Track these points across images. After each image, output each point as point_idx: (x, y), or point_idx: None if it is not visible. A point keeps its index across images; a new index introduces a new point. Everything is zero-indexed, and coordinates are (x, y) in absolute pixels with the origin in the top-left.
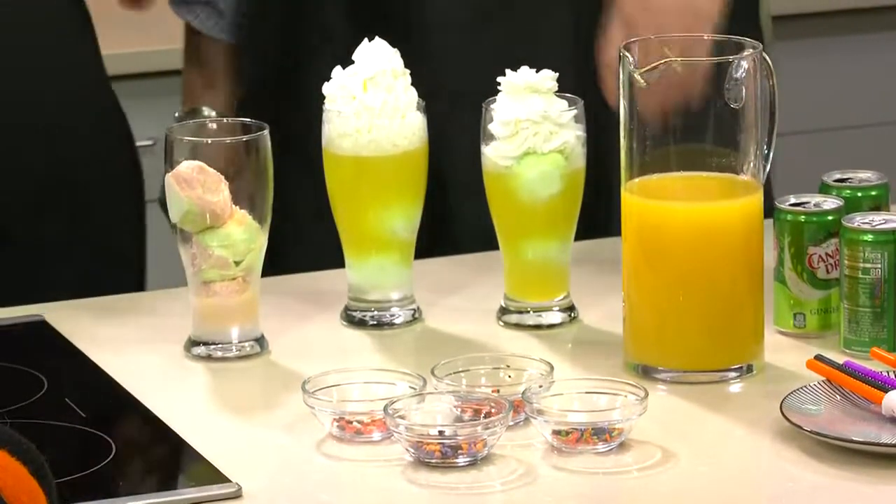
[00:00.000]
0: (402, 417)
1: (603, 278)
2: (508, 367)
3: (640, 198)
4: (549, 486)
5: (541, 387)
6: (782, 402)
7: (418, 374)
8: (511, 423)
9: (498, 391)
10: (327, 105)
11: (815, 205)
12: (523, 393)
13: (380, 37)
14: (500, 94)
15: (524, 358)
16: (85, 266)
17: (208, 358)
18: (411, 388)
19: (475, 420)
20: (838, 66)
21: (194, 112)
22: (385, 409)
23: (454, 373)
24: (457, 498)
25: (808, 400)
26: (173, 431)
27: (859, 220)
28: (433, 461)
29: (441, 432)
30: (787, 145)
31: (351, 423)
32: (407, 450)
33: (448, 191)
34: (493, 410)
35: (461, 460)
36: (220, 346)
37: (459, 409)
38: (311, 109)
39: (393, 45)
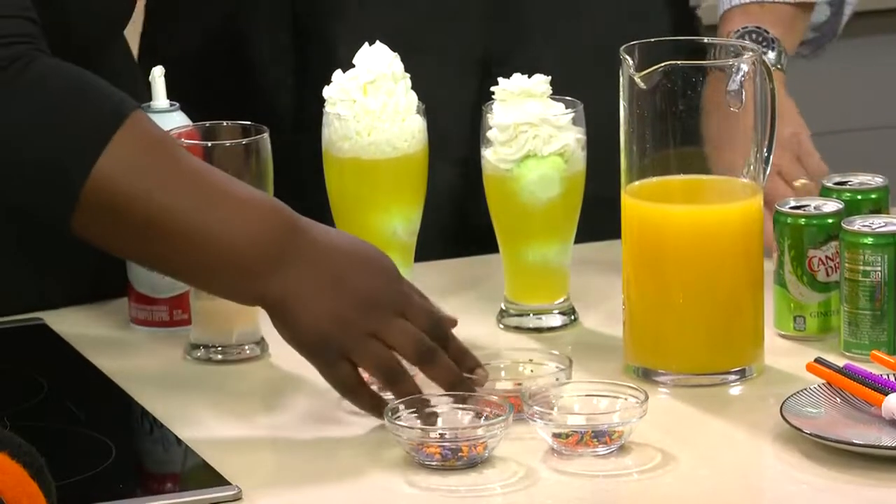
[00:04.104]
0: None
1: (603, 281)
2: (531, 361)
3: (640, 201)
4: (549, 488)
5: (557, 380)
6: (782, 404)
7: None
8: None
9: (520, 384)
10: (327, 108)
11: (815, 207)
12: (523, 395)
13: None
14: (495, 102)
15: (544, 352)
16: (85, 269)
17: (208, 361)
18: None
19: (475, 422)
20: (838, 69)
21: None
22: (386, 412)
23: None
24: (457, 500)
25: (808, 403)
26: (173, 434)
27: (859, 223)
28: (433, 464)
29: (441, 435)
30: None
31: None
32: (407, 452)
33: None
34: (493, 412)
35: (461, 463)
36: (220, 348)
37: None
38: None
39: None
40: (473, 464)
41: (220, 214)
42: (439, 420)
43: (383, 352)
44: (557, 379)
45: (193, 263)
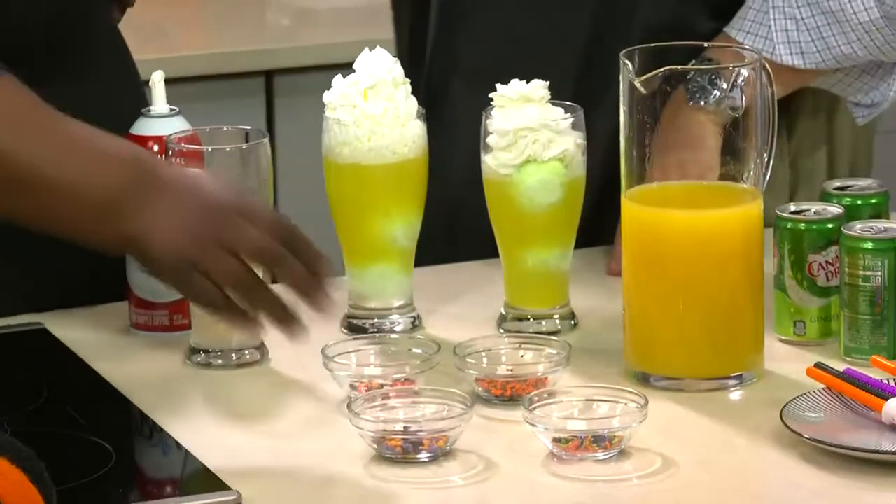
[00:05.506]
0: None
1: (603, 286)
2: (529, 346)
3: (640, 206)
4: (548, 493)
5: (558, 365)
6: (782, 409)
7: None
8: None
9: (511, 370)
10: (327, 113)
11: (815, 213)
12: (523, 399)
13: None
14: (494, 108)
15: (542, 338)
16: (85, 273)
17: (208, 365)
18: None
19: (437, 415)
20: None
21: None
22: (348, 406)
23: (475, 352)
24: None
25: (808, 407)
26: (173, 439)
27: (859, 228)
28: (394, 456)
29: (406, 428)
30: None
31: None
32: (369, 445)
33: None
34: (455, 406)
35: (421, 455)
36: (219, 353)
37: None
38: None
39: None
40: (435, 457)
41: (83, 167)
42: (400, 412)
43: (235, 264)
44: (558, 365)
45: (57, 215)
